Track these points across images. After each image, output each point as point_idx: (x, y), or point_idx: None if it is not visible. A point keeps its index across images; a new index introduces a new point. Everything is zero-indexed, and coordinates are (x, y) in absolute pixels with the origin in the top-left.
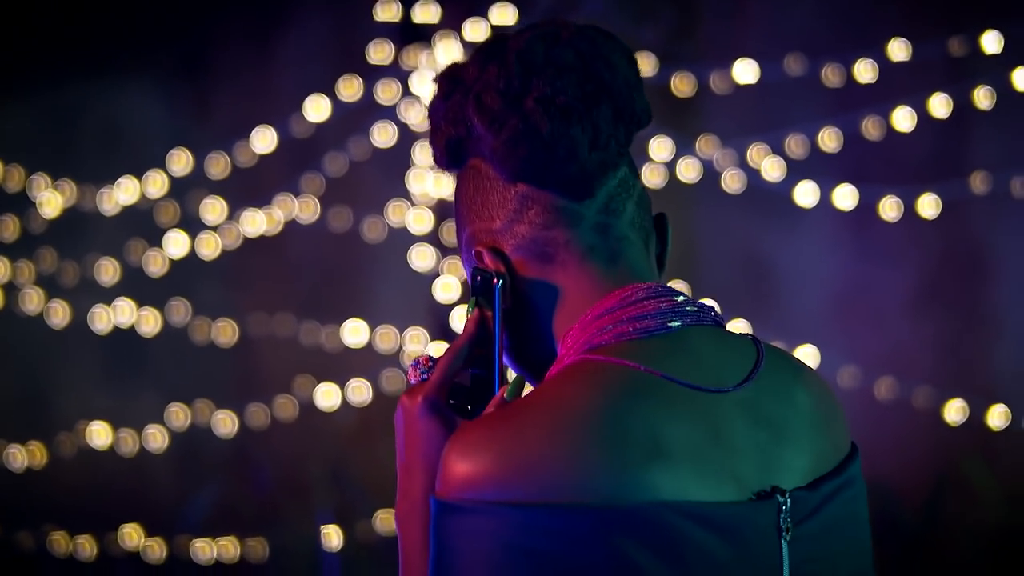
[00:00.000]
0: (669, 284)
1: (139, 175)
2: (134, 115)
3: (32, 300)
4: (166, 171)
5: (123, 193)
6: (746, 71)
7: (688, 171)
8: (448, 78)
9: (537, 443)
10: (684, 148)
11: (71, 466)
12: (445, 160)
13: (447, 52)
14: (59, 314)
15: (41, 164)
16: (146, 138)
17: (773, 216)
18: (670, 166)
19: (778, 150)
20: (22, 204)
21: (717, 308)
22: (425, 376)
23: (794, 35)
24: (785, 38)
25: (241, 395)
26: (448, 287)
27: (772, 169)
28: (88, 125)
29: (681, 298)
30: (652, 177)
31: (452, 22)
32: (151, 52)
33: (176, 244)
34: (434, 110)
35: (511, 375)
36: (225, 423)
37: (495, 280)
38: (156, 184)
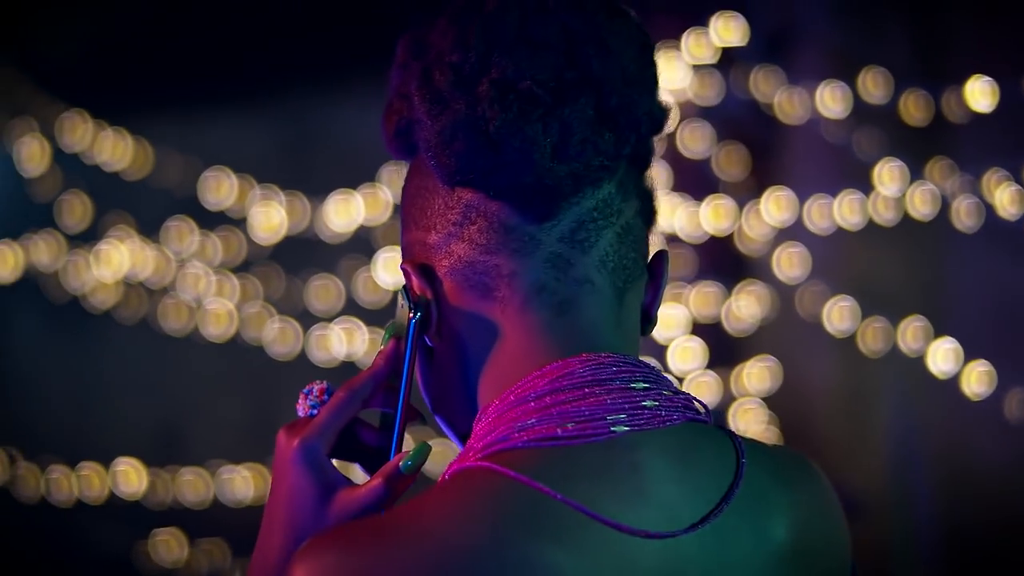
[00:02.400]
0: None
1: (367, 195)
2: (366, 132)
3: (260, 322)
4: (391, 190)
5: (351, 212)
6: (987, 94)
7: (921, 204)
8: (410, 41)
9: None
10: (916, 176)
11: None
12: (394, 146)
13: (667, 70)
14: (288, 339)
15: (273, 180)
16: (377, 157)
17: (1018, 252)
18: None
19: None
20: (249, 222)
21: (696, 399)
22: (314, 411)
23: None
24: None
25: None
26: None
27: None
28: (328, 146)
29: (641, 385)
30: (883, 211)
31: (670, 34)
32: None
33: (395, 270)
34: (390, 80)
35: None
36: (447, 455)
37: (411, 312)
38: (380, 205)
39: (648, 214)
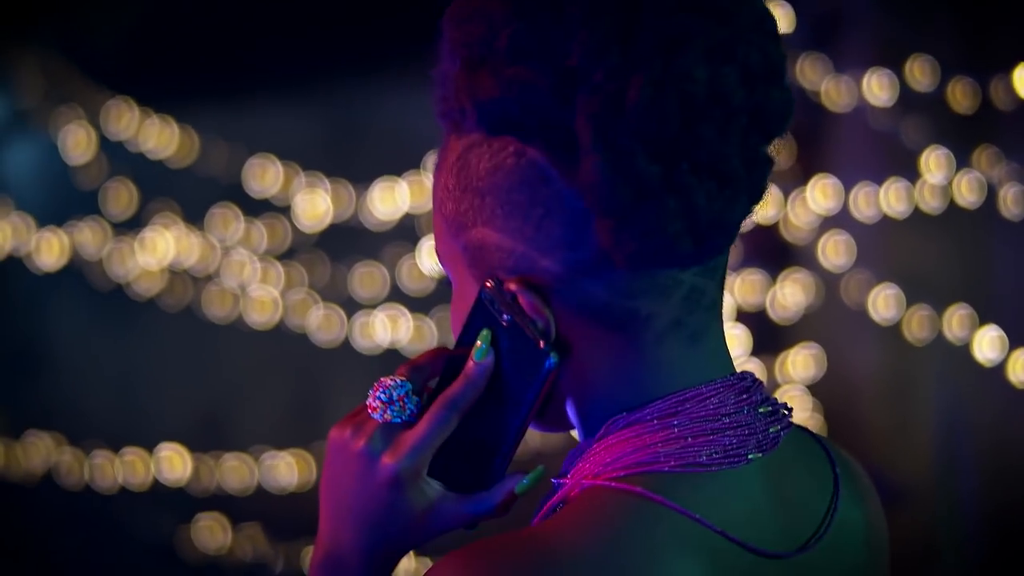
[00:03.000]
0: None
1: (411, 182)
2: (411, 119)
3: (304, 310)
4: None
5: (396, 200)
6: None
7: (967, 192)
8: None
9: None
10: (963, 164)
11: None
12: (474, 118)
13: None
14: (333, 326)
15: (318, 168)
16: (423, 143)
17: None
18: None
19: None
20: (292, 209)
21: (784, 405)
22: (397, 420)
23: None
24: None
25: None
26: None
27: None
28: (373, 133)
29: (765, 409)
30: (929, 199)
31: None
32: (433, 57)
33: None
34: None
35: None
36: None
37: (549, 357)
38: (425, 192)
39: None
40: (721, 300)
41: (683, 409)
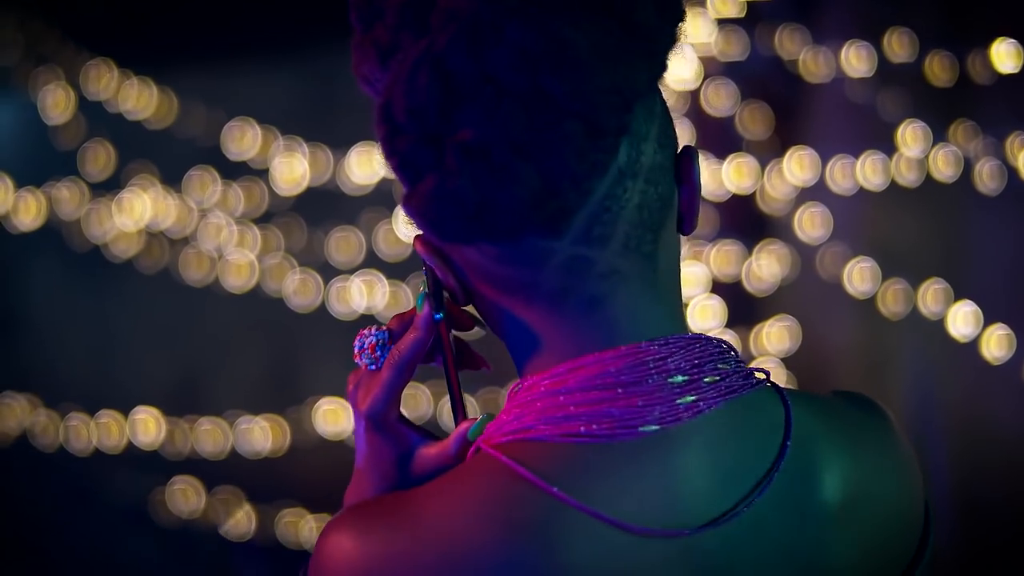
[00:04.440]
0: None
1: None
2: None
3: (281, 274)
4: None
5: (373, 166)
6: (1012, 56)
7: (944, 166)
8: (364, 44)
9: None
10: (940, 138)
11: (309, 446)
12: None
13: (692, 26)
14: (309, 291)
15: (297, 132)
16: None
17: None
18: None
19: None
20: (270, 173)
21: (756, 369)
22: (372, 366)
23: None
24: None
25: (475, 385)
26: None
27: None
28: (351, 98)
29: (679, 379)
30: (905, 173)
31: None
32: None
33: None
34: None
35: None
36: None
37: (434, 312)
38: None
39: (667, 135)
40: (634, 266)
41: (572, 376)
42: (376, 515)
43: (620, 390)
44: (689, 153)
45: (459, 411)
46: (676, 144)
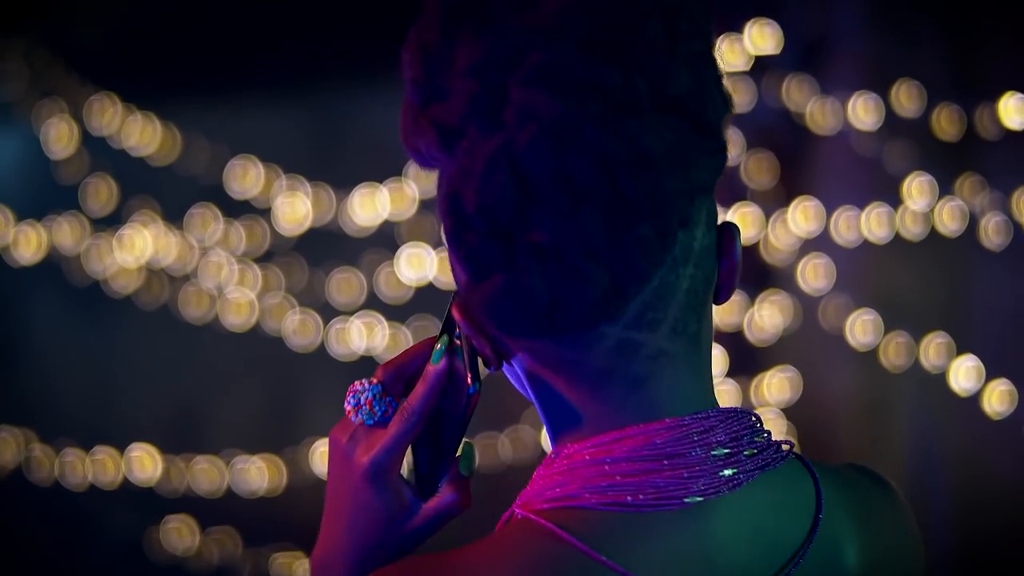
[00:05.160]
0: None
1: (393, 189)
2: (395, 126)
3: (281, 313)
4: (417, 186)
5: (376, 206)
6: (1020, 111)
7: (949, 219)
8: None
9: None
10: (945, 191)
11: (306, 487)
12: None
13: None
14: (308, 331)
15: (300, 171)
16: (405, 151)
17: None
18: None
19: None
20: (272, 212)
21: (782, 441)
22: (369, 421)
23: None
24: None
25: (478, 426)
26: None
27: None
28: (355, 139)
29: (722, 452)
30: (910, 226)
31: None
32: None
33: (421, 265)
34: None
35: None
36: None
37: (471, 386)
38: (406, 200)
39: (713, 216)
40: (680, 348)
41: (619, 446)
42: (415, 572)
43: (666, 461)
44: (731, 230)
45: (448, 462)
46: (717, 221)
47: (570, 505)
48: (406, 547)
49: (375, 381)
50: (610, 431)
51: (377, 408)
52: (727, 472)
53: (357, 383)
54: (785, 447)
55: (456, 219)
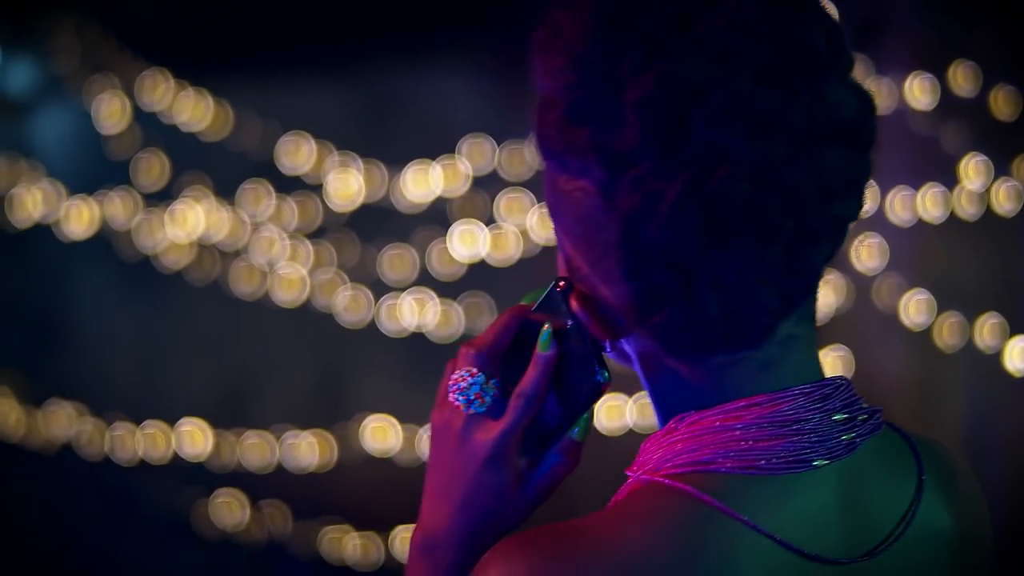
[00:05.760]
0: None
1: (445, 166)
2: (448, 104)
3: (332, 289)
4: (470, 163)
5: (428, 184)
6: None
7: (1005, 199)
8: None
9: None
10: (1001, 171)
11: (355, 463)
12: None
13: None
14: (360, 307)
15: (352, 147)
16: (458, 129)
17: None
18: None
19: None
20: (324, 188)
21: (875, 408)
22: (474, 408)
23: None
24: None
25: None
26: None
27: None
28: (408, 116)
29: (840, 416)
30: (966, 206)
31: None
32: (473, 40)
33: (473, 242)
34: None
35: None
36: None
37: (599, 375)
38: (458, 177)
39: None
40: (803, 331)
41: (747, 413)
42: (554, 539)
43: (794, 426)
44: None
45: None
46: None
47: (703, 470)
48: (520, 514)
49: (476, 372)
50: (737, 399)
51: (488, 397)
52: (846, 437)
53: (456, 375)
54: (864, 417)
55: (634, 252)
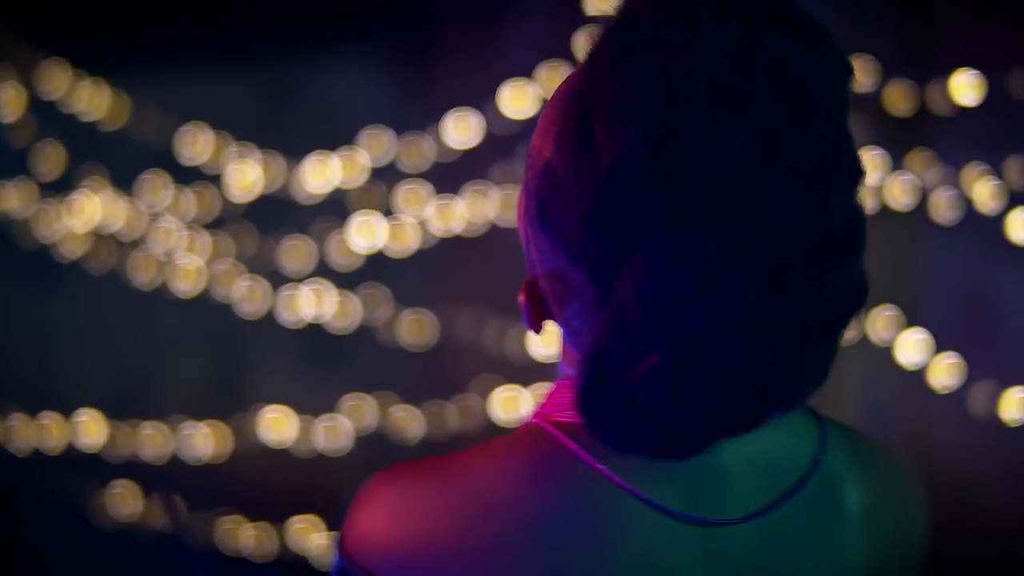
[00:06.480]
0: None
1: (344, 157)
2: (347, 95)
3: (230, 280)
4: (369, 154)
5: (327, 174)
6: (972, 87)
7: (900, 194)
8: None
9: (445, 534)
10: (897, 166)
11: (251, 454)
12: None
13: None
14: (257, 298)
15: (250, 138)
16: (357, 120)
17: (994, 247)
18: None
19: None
20: (222, 179)
21: None
22: None
23: None
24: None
25: (425, 394)
26: None
27: (991, 198)
28: (307, 107)
29: None
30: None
31: None
32: (373, 31)
33: (371, 233)
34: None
35: None
36: (408, 422)
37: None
38: (357, 168)
39: None
40: None
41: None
42: (424, 468)
43: None
44: None
45: None
46: None
47: (571, 420)
48: None
49: None
50: None
51: None
52: None
53: None
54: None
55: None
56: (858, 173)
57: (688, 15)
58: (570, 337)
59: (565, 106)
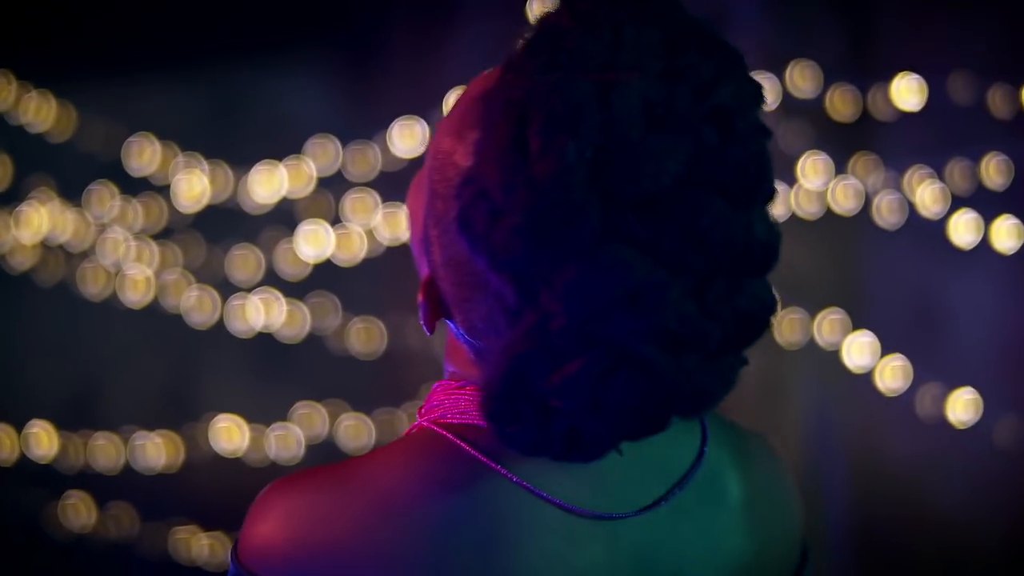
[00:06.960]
0: None
1: (291, 167)
2: (293, 104)
3: (179, 290)
4: (316, 164)
5: (274, 184)
6: (914, 92)
7: (843, 198)
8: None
9: (343, 539)
10: (840, 170)
11: (203, 463)
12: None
13: None
14: (206, 307)
15: (197, 148)
16: (303, 129)
17: (938, 250)
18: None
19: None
20: (170, 189)
21: None
22: None
23: (974, 56)
24: (963, 58)
25: (376, 402)
26: None
27: (934, 201)
28: (253, 117)
29: None
30: (805, 205)
31: None
32: (318, 41)
33: (319, 242)
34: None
35: None
36: (359, 430)
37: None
38: (304, 178)
39: None
40: None
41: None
42: (320, 475)
43: None
44: None
45: None
46: None
47: (468, 423)
48: None
49: None
50: None
51: None
52: None
53: None
54: None
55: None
56: (773, 193)
57: (613, 33)
58: (469, 338)
59: (489, 112)
